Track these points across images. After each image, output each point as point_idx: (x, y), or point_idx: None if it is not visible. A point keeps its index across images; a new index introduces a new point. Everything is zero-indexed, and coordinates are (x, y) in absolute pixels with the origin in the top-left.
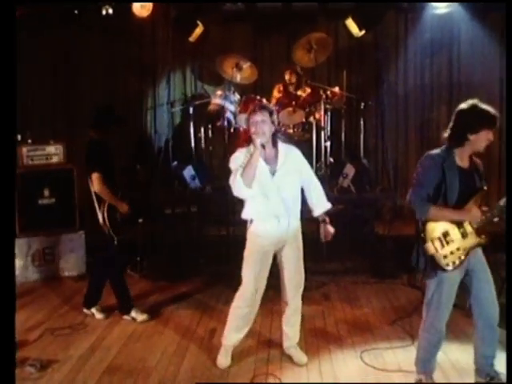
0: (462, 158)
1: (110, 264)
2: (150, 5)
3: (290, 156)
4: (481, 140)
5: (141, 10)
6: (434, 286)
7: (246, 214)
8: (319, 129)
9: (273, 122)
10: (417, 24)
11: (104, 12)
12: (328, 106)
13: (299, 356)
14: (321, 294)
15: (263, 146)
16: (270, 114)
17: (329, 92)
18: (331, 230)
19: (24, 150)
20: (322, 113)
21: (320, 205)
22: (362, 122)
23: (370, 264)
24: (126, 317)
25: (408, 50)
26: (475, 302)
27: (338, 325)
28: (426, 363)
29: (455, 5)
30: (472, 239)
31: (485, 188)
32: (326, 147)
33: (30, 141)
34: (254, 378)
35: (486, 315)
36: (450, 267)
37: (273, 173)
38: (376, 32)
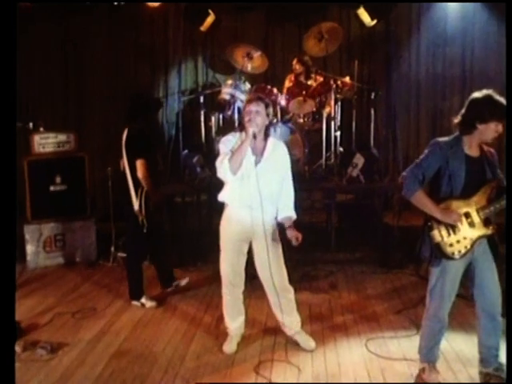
0: (470, 147)
1: (134, 250)
2: None
3: (277, 152)
4: (489, 130)
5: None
6: (437, 275)
7: (222, 197)
8: (329, 118)
9: (267, 115)
10: (429, 14)
11: (116, 2)
12: (338, 96)
13: (305, 341)
14: (328, 283)
15: (254, 136)
16: (266, 106)
17: (339, 82)
18: (298, 234)
19: (36, 137)
20: (333, 102)
21: (284, 211)
22: (372, 112)
23: (378, 254)
24: (135, 302)
25: (420, 40)
26: (478, 291)
27: (344, 313)
28: (429, 352)
29: None
30: (479, 229)
31: (498, 178)
32: (336, 137)
33: (41, 129)
34: (259, 364)
35: (488, 305)
36: (456, 256)
37: (256, 163)
38: (388, 22)
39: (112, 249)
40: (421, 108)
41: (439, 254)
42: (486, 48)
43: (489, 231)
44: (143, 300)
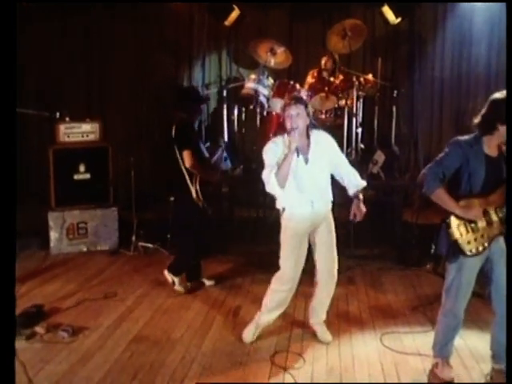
0: (490, 146)
1: (195, 233)
2: None
3: (320, 141)
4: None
5: None
6: (454, 272)
7: (280, 204)
8: (351, 115)
9: (308, 114)
10: (454, 13)
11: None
12: (361, 93)
13: (324, 333)
14: (346, 278)
15: (297, 151)
16: (305, 106)
17: (362, 79)
18: (363, 208)
19: (61, 127)
20: (355, 99)
21: (354, 183)
22: (394, 110)
23: (396, 251)
24: (168, 275)
25: (445, 39)
26: (495, 288)
27: (360, 308)
28: (442, 347)
29: None
30: (497, 227)
31: None
32: (357, 133)
33: (67, 119)
34: (274, 355)
35: (504, 302)
36: (473, 253)
37: (306, 161)
38: (412, 20)
39: (133, 238)
40: (444, 107)
41: (457, 250)
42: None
43: (505, 231)
44: (176, 279)
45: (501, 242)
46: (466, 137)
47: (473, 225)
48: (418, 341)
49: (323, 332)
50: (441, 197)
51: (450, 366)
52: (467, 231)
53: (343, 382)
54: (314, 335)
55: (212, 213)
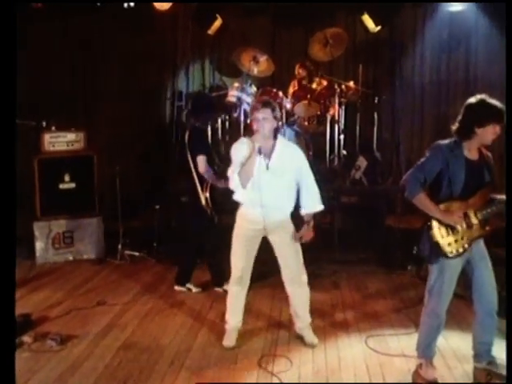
0: (470, 150)
1: (208, 241)
2: None
3: (288, 153)
4: (488, 134)
5: (162, 3)
6: (436, 273)
7: (237, 196)
8: (333, 122)
9: (275, 118)
10: (432, 20)
11: (126, 5)
12: (343, 100)
13: (311, 337)
14: (331, 282)
15: (260, 151)
16: (273, 110)
17: (343, 86)
18: (311, 234)
19: (46, 136)
20: (337, 106)
21: (310, 205)
22: (375, 116)
23: (379, 255)
24: (179, 288)
25: (424, 46)
26: (475, 289)
27: (345, 311)
28: (426, 348)
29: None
30: (476, 230)
31: (493, 181)
32: (339, 140)
33: (53, 128)
34: (261, 358)
35: (485, 302)
36: (454, 254)
37: (267, 166)
38: (392, 27)
39: (119, 246)
40: (424, 112)
41: (438, 252)
42: (489, 53)
43: (485, 232)
44: (189, 285)
45: (481, 245)
46: (446, 141)
47: (453, 227)
48: (403, 342)
49: (309, 335)
50: (422, 201)
51: (434, 366)
52: (448, 233)
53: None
54: (300, 338)
55: (218, 220)
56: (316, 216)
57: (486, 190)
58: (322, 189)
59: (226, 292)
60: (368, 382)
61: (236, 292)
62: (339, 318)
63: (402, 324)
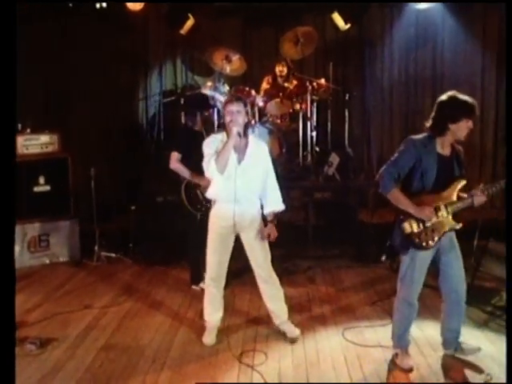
0: (443, 146)
1: (191, 239)
2: None
3: (258, 150)
4: (461, 129)
5: (134, 3)
6: (408, 262)
7: (209, 194)
8: (306, 119)
9: (247, 113)
10: (399, 18)
11: (98, 5)
12: (314, 97)
13: (292, 330)
14: (306, 277)
15: (239, 135)
16: (245, 105)
17: (315, 83)
18: (275, 233)
19: (20, 139)
20: (309, 103)
21: (272, 204)
22: (346, 113)
23: (353, 249)
24: (195, 287)
25: (392, 44)
26: (444, 278)
27: (322, 305)
28: (401, 338)
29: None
30: (447, 223)
31: (463, 175)
32: (312, 137)
33: (28, 130)
34: (241, 354)
35: (453, 291)
36: (424, 246)
37: (239, 161)
38: (361, 26)
39: (96, 248)
40: (394, 108)
41: (409, 244)
42: (455, 51)
43: (456, 225)
44: (202, 285)
45: (451, 235)
46: (419, 136)
47: (424, 220)
48: (379, 334)
49: (290, 329)
50: (396, 196)
51: (409, 355)
52: (418, 227)
53: (309, 376)
54: (278, 333)
55: (201, 218)
56: (289, 213)
57: (458, 184)
58: (294, 186)
59: (203, 290)
60: (347, 373)
61: (212, 291)
62: (316, 312)
63: (377, 316)
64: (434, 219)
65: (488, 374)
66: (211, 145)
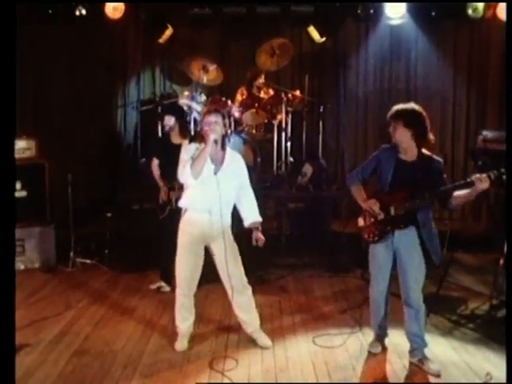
0: (405, 152)
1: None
2: (122, 7)
3: (235, 162)
4: (391, 132)
5: (113, 11)
6: (370, 257)
7: (182, 203)
8: (280, 130)
9: (224, 125)
10: (375, 32)
11: (77, 13)
12: (289, 109)
13: (263, 339)
14: (278, 286)
15: (216, 142)
16: (223, 117)
17: (290, 95)
18: (262, 237)
19: None
20: (284, 114)
21: (251, 216)
22: (320, 125)
23: (325, 259)
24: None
25: (367, 56)
26: (400, 281)
27: (293, 314)
28: (374, 326)
29: (407, 17)
30: (394, 222)
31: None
32: (286, 147)
33: None
34: (212, 361)
35: (405, 295)
36: (369, 240)
37: (215, 172)
38: (336, 39)
39: (71, 254)
40: (368, 120)
41: (362, 236)
42: (428, 65)
43: (402, 224)
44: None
45: (410, 239)
46: (387, 145)
47: (373, 216)
48: (347, 341)
49: (261, 338)
50: (355, 191)
51: (379, 344)
52: (366, 221)
53: (278, 381)
54: (249, 340)
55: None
56: (263, 221)
57: (412, 187)
58: (269, 196)
59: (159, 289)
60: (314, 378)
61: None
62: (287, 320)
63: (347, 324)
64: (381, 216)
65: (488, 373)
66: (188, 151)
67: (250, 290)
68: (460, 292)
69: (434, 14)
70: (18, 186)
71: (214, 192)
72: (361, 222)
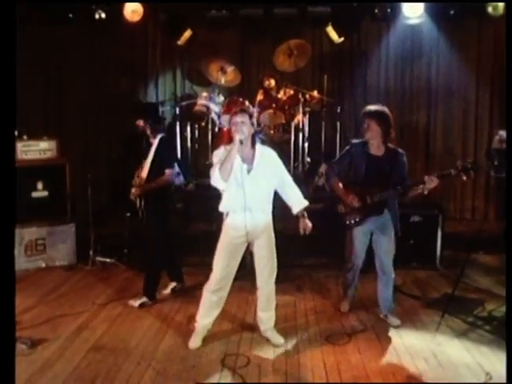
0: (374, 147)
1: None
2: (140, 10)
3: (266, 157)
4: (365, 129)
5: (132, 14)
6: (351, 239)
7: (222, 207)
8: (298, 130)
9: (252, 124)
10: (395, 31)
11: (97, 16)
12: (307, 109)
13: (276, 338)
14: (294, 286)
15: (241, 142)
16: (250, 116)
17: (307, 95)
18: (309, 224)
19: (18, 145)
20: (301, 115)
21: (297, 203)
22: (338, 125)
23: (341, 260)
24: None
25: (387, 56)
26: (376, 255)
27: (307, 313)
28: (346, 289)
29: (425, 16)
30: (370, 209)
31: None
32: (304, 147)
33: (25, 136)
34: (224, 358)
35: (381, 265)
36: (348, 224)
37: (249, 171)
38: (356, 38)
39: (91, 253)
40: None
41: (343, 221)
42: (449, 64)
43: (377, 211)
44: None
45: (383, 222)
46: (358, 140)
47: (350, 204)
48: (359, 341)
49: (274, 336)
50: (334, 185)
51: (347, 303)
52: (345, 208)
53: (288, 379)
54: (262, 338)
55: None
56: (281, 222)
57: (384, 178)
58: None
59: (172, 291)
60: (325, 377)
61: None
62: (301, 320)
63: (360, 324)
64: (358, 204)
65: (488, 373)
66: (218, 155)
67: (273, 288)
68: (478, 293)
69: (452, 12)
70: (40, 185)
71: (252, 190)
72: (341, 208)
